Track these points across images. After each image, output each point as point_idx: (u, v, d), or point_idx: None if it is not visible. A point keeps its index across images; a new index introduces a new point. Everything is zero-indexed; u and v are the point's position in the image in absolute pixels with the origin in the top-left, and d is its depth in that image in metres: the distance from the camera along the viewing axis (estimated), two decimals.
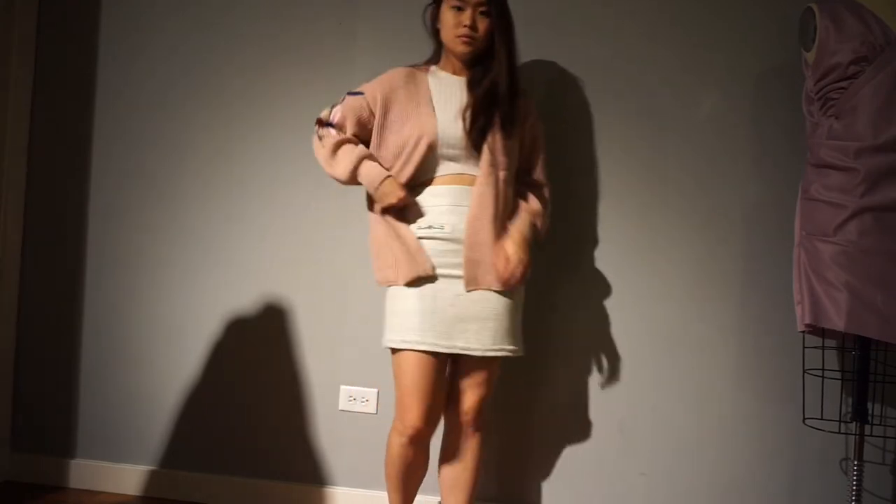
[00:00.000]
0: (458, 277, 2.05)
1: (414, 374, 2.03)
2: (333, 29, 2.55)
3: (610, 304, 2.47)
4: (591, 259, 2.46)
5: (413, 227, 2.08)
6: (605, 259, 2.46)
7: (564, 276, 2.47)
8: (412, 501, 2.19)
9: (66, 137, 2.67)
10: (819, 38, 2.04)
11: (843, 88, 2.01)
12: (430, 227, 2.06)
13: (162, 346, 2.63)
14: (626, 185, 2.46)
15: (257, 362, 2.59)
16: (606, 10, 2.48)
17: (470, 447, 2.16)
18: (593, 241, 2.45)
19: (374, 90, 2.11)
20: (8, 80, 2.59)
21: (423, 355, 2.03)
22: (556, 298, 2.47)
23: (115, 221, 2.64)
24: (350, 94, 2.13)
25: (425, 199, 2.09)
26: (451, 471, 2.18)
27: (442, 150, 2.06)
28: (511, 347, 2.08)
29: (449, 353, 2.05)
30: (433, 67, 2.17)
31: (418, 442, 2.08)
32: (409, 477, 2.14)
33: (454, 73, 2.14)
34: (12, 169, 2.63)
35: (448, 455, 2.19)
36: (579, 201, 2.47)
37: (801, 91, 2.19)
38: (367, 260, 2.44)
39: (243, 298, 2.59)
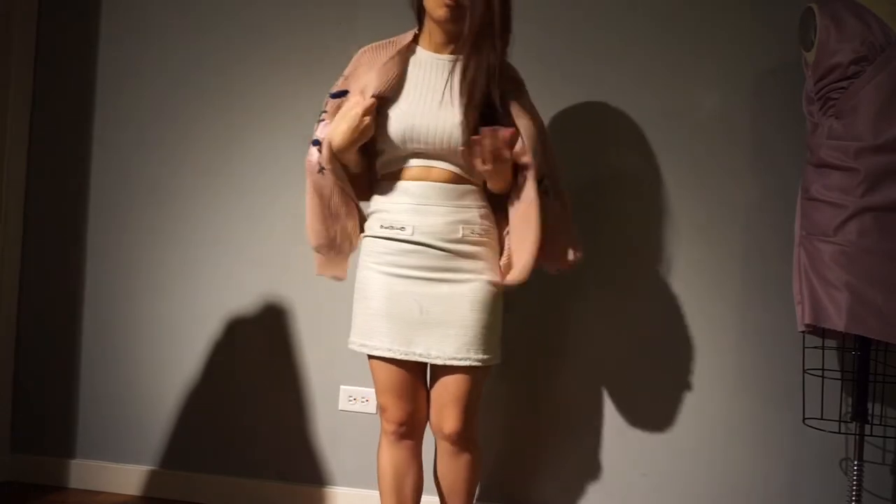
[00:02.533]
0: (426, 279, 1.88)
1: (382, 375, 1.94)
2: (334, 29, 2.55)
3: (609, 303, 2.47)
4: (591, 259, 2.45)
5: (374, 225, 1.94)
6: (605, 259, 2.46)
7: (562, 276, 2.46)
8: None
9: (66, 137, 2.67)
10: (819, 38, 2.03)
11: (843, 88, 2.01)
12: (391, 227, 1.90)
13: (162, 346, 2.63)
14: (625, 186, 2.47)
15: (257, 362, 2.59)
16: (605, 9, 2.48)
17: (461, 465, 1.98)
18: (592, 242, 2.45)
19: (356, 83, 1.92)
20: (8, 80, 2.59)
21: (381, 360, 1.92)
22: (556, 298, 2.47)
23: (115, 221, 2.65)
24: (333, 96, 1.95)
25: (394, 195, 1.92)
26: (443, 483, 2.03)
27: (407, 145, 1.88)
28: (479, 356, 1.88)
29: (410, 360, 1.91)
30: (416, 46, 1.94)
31: (404, 440, 1.97)
32: (402, 485, 1.99)
33: (435, 50, 1.91)
34: (12, 169, 2.63)
35: (440, 469, 2.03)
36: (578, 202, 2.46)
37: (801, 91, 2.19)
38: None
39: (243, 298, 2.59)
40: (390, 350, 1.89)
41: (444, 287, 1.89)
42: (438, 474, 2.04)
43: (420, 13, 1.94)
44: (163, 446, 2.63)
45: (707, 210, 2.44)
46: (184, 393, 2.62)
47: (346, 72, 1.97)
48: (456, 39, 1.88)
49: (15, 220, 2.65)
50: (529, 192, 1.88)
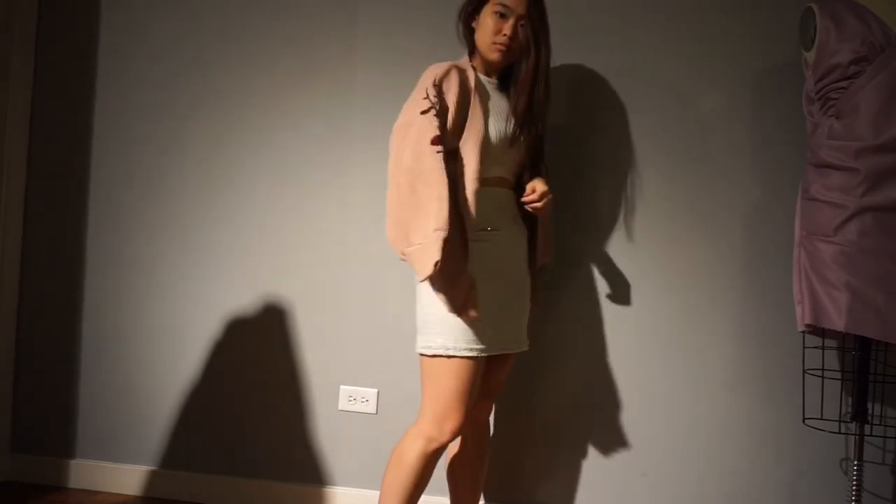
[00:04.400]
0: (507, 281, 2.07)
1: (469, 379, 1.94)
2: (333, 26, 2.55)
3: (610, 303, 2.47)
4: (592, 259, 2.45)
5: (474, 230, 1.98)
6: (605, 259, 2.46)
7: (564, 275, 2.46)
8: None
9: (66, 137, 2.67)
10: (819, 38, 2.03)
11: (843, 88, 2.01)
12: (483, 229, 2.00)
13: (162, 346, 2.63)
14: (626, 186, 2.47)
15: (257, 362, 2.59)
16: (607, 9, 2.48)
17: (481, 437, 2.20)
18: (593, 242, 2.45)
19: (449, 94, 1.99)
20: (8, 80, 2.59)
21: (478, 360, 1.95)
22: (557, 299, 2.46)
23: (115, 221, 2.65)
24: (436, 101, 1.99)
25: (483, 201, 2.00)
26: (463, 462, 2.21)
27: (493, 154, 2.03)
28: (527, 341, 2.16)
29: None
30: (475, 71, 2.11)
31: (445, 448, 1.98)
32: (420, 488, 1.98)
33: (486, 74, 2.13)
34: (12, 169, 2.63)
35: (462, 448, 2.20)
36: (579, 201, 2.47)
37: (802, 91, 2.19)
38: (367, 259, 2.44)
39: (243, 298, 2.59)
40: (489, 349, 1.97)
41: (514, 285, 2.10)
42: (459, 463, 2.20)
43: (471, 44, 2.12)
44: (162, 446, 2.63)
45: (707, 210, 2.44)
46: (183, 393, 2.62)
47: (436, 80, 1.97)
48: (500, 68, 2.11)
49: (15, 219, 2.65)
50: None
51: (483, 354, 1.95)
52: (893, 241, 1.97)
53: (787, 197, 2.29)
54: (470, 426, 2.15)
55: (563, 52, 2.44)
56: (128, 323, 2.64)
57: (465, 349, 1.92)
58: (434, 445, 1.94)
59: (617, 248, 2.47)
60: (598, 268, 2.46)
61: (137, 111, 2.64)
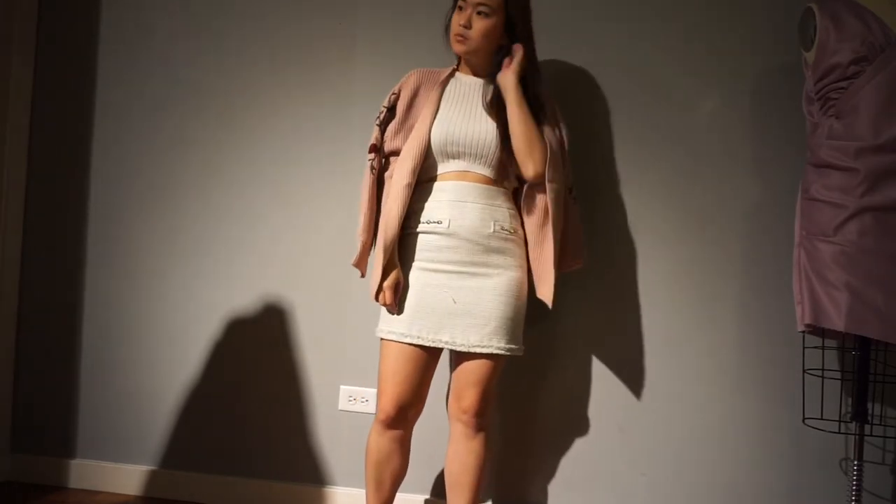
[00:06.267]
0: (458, 273, 2.06)
1: (393, 363, 2.07)
2: (333, 28, 2.56)
3: (610, 304, 2.47)
4: (590, 259, 2.45)
5: (412, 223, 2.11)
6: (605, 260, 2.46)
7: (564, 276, 2.46)
8: (388, 500, 2.16)
9: (66, 137, 2.67)
10: (819, 38, 2.04)
11: (843, 88, 2.01)
12: (427, 222, 2.09)
13: (162, 346, 2.63)
14: (626, 186, 2.47)
15: (257, 362, 2.59)
16: (606, 9, 2.48)
17: (471, 449, 2.13)
18: (592, 242, 2.45)
19: (401, 98, 2.17)
20: (8, 80, 2.59)
21: (407, 346, 2.06)
22: (557, 300, 2.46)
23: (115, 221, 2.65)
24: (388, 109, 2.18)
25: (432, 194, 2.12)
26: (452, 471, 2.17)
27: (446, 149, 2.09)
28: (500, 345, 2.07)
29: (435, 347, 2.07)
30: (457, 72, 2.20)
31: (390, 429, 2.09)
32: (383, 470, 2.12)
33: (474, 74, 2.18)
34: (12, 169, 2.63)
35: (451, 455, 2.17)
36: (578, 202, 2.47)
37: (802, 91, 2.19)
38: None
39: (243, 298, 2.59)
40: (419, 337, 2.06)
41: (473, 280, 2.07)
42: (448, 463, 2.17)
43: None
44: (162, 446, 2.63)
45: (707, 210, 2.44)
46: (183, 393, 2.62)
47: (396, 89, 2.20)
48: (491, 66, 2.14)
49: (15, 219, 2.65)
50: (547, 204, 2.11)
51: (403, 340, 2.05)
52: (893, 241, 1.97)
53: (787, 197, 2.29)
54: (454, 429, 2.15)
55: (558, 52, 2.45)
56: (128, 323, 2.64)
57: (386, 331, 2.09)
58: (377, 425, 2.11)
59: (616, 249, 2.47)
60: (597, 268, 2.46)
61: (137, 111, 2.64)
